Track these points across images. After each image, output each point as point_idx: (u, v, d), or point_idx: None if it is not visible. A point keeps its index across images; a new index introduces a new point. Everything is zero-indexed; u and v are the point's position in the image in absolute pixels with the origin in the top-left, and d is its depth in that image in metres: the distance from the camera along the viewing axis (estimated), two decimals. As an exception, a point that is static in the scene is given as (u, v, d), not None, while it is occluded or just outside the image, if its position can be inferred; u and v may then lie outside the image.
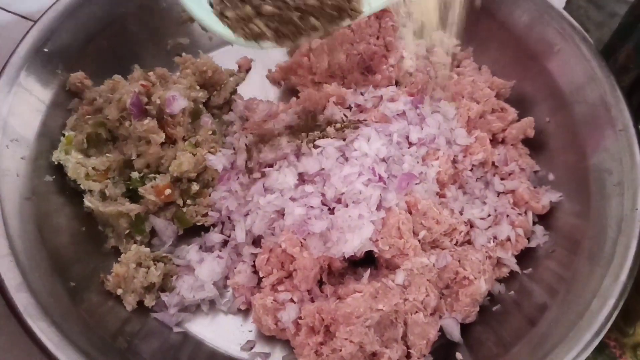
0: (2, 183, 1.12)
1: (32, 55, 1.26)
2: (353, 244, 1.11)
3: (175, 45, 1.54)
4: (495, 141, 1.37)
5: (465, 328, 1.18)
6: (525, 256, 1.26)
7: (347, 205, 1.15)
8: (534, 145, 1.38)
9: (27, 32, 1.28)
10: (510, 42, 1.46)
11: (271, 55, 1.59)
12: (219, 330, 1.21)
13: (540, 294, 1.20)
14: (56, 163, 1.24)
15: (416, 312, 1.11)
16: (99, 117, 1.27)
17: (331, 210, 1.16)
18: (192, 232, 1.29)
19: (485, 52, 1.51)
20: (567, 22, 1.36)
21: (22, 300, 0.99)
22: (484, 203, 1.26)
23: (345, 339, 1.04)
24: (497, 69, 1.48)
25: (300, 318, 1.12)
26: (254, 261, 1.22)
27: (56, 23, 1.31)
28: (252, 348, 1.18)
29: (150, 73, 1.35)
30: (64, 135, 1.26)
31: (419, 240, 1.16)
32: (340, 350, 1.04)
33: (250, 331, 1.21)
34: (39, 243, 1.12)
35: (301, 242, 1.15)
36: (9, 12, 1.67)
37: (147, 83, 1.29)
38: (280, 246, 1.15)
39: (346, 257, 1.13)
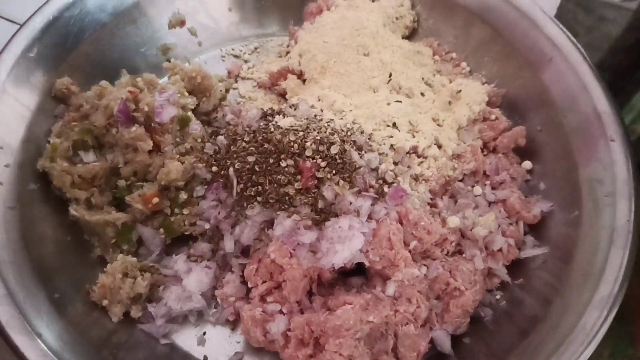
0: (-16, 193, 1.09)
1: (17, 60, 1.24)
2: (343, 255, 1.09)
3: (163, 51, 1.52)
4: (486, 150, 1.36)
5: (456, 339, 1.17)
6: (516, 266, 1.25)
7: (337, 216, 1.14)
8: (525, 154, 1.37)
9: (13, 36, 1.26)
10: (504, 51, 1.45)
11: (261, 59, 1.59)
12: (206, 341, 1.19)
13: (532, 305, 1.19)
14: (41, 171, 1.22)
15: (407, 323, 1.10)
16: (86, 124, 1.25)
17: (321, 221, 1.14)
18: (179, 241, 1.27)
19: (478, 61, 1.50)
20: (561, 32, 1.35)
21: (4, 313, 0.97)
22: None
23: (335, 352, 1.02)
24: (489, 78, 1.47)
25: (289, 330, 1.10)
26: (243, 271, 1.21)
27: (42, 28, 1.29)
28: (240, 360, 1.17)
29: (139, 79, 1.33)
30: (49, 142, 1.24)
31: (410, 251, 1.15)
32: (330, 363, 1.03)
33: (238, 342, 1.19)
34: (23, 253, 1.10)
35: (290, 253, 1.13)
36: (-5, 15, 1.65)
37: (135, 90, 1.27)
38: (270, 256, 1.14)
39: (336, 268, 1.11)
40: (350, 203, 1.13)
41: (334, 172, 1.14)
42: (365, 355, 1.04)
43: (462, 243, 1.23)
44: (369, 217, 1.15)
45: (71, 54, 1.35)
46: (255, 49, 1.62)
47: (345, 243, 1.10)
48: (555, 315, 1.12)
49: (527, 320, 1.16)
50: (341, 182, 1.13)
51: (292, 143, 1.17)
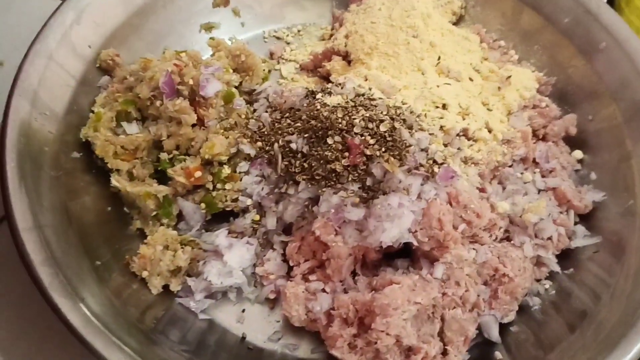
0: (31, 157, 1.08)
1: (64, 29, 1.23)
2: (392, 233, 1.06)
3: (206, 29, 1.51)
4: (535, 137, 1.32)
5: (503, 327, 1.13)
6: (565, 257, 1.21)
7: (385, 194, 1.10)
8: (575, 144, 1.33)
9: (60, 5, 1.25)
10: (554, 39, 1.41)
11: (303, 42, 1.57)
12: (245, 319, 1.16)
13: (581, 298, 1.15)
14: (84, 140, 1.20)
15: (454, 307, 1.07)
16: (129, 96, 1.23)
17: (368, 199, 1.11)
18: (219, 218, 1.24)
19: (527, 49, 1.47)
20: (616, 18, 1.32)
21: (47, 275, 0.95)
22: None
23: (382, 331, 0.99)
24: (538, 66, 1.44)
25: (332, 309, 1.07)
26: (284, 249, 1.18)
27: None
28: (279, 339, 1.14)
29: (182, 54, 1.31)
30: (93, 112, 1.22)
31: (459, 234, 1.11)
32: (376, 343, 0.99)
33: (277, 322, 1.16)
34: (66, 220, 1.08)
35: (336, 230, 1.11)
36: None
37: (180, 63, 1.25)
38: (313, 234, 1.11)
39: (384, 247, 1.08)
40: (400, 181, 1.10)
41: (383, 149, 1.11)
42: (412, 337, 1.01)
43: (511, 229, 1.20)
44: (418, 197, 1.12)
45: (117, 26, 1.33)
46: (298, 31, 1.59)
47: (394, 221, 1.07)
48: (605, 310, 1.08)
49: (576, 313, 1.12)
50: (391, 159, 1.10)
51: (340, 119, 1.14)
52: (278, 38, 1.58)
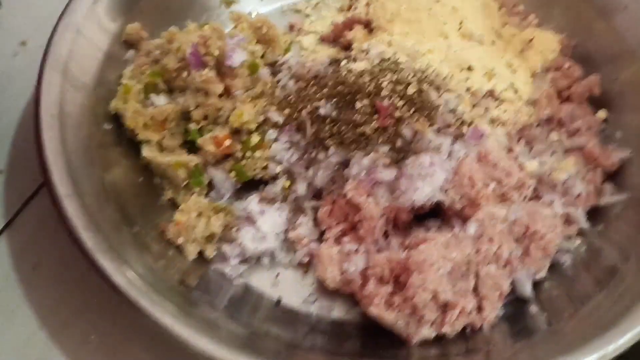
0: (64, 125, 1.09)
1: (90, 3, 1.24)
2: (424, 191, 1.07)
3: (226, 3, 1.52)
4: (560, 98, 1.32)
5: (535, 285, 1.14)
6: (595, 214, 1.21)
7: (415, 154, 1.11)
8: (600, 104, 1.33)
9: (85, -19, 1.26)
10: (574, 1, 1.41)
11: (323, 14, 1.57)
12: (279, 283, 1.17)
13: (611, 255, 1.15)
14: (114, 112, 1.22)
15: (488, 263, 1.07)
16: (157, 67, 1.25)
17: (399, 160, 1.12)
18: (250, 186, 1.26)
19: (547, 12, 1.46)
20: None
21: (90, 239, 0.96)
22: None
23: (419, 287, 1.00)
24: (559, 30, 1.44)
25: (367, 269, 1.08)
26: (315, 215, 1.19)
27: (114, -26, 1.29)
28: (314, 302, 1.15)
29: (206, 27, 1.32)
30: (121, 84, 1.24)
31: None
32: (413, 299, 1.00)
33: (311, 285, 1.17)
34: (102, 188, 1.10)
35: (367, 192, 1.12)
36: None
37: (205, 34, 1.26)
38: (345, 197, 1.12)
39: (416, 206, 1.09)
40: (430, 141, 1.11)
41: (412, 110, 1.12)
42: (448, 292, 1.02)
43: (540, 189, 1.20)
44: (449, 156, 1.13)
45: (140, 1, 1.34)
46: (317, 4, 1.60)
47: (426, 179, 1.08)
48: (633, 269, 1.09)
49: (606, 270, 1.13)
50: (421, 119, 1.11)
51: (367, 84, 1.16)
52: (297, 11, 1.59)
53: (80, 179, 1.05)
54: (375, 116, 1.13)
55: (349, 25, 1.45)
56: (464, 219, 1.11)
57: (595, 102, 1.34)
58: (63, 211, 0.97)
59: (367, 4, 1.42)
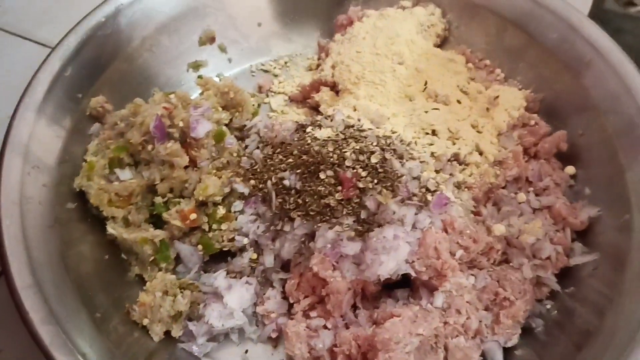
0: (24, 212, 1.08)
1: (52, 80, 1.24)
2: (389, 265, 1.06)
3: (194, 67, 1.52)
4: (527, 156, 1.32)
5: (507, 352, 1.13)
6: (565, 275, 1.20)
7: (380, 226, 1.11)
8: (567, 159, 1.33)
9: (47, 57, 1.26)
10: (539, 56, 1.42)
11: (291, 74, 1.58)
12: None
13: (585, 315, 1.13)
14: (78, 190, 1.21)
15: (457, 335, 1.06)
16: (121, 142, 1.24)
17: (364, 232, 1.11)
18: (217, 258, 1.25)
19: (513, 67, 1.47)
20: (600, 32, 1.32)
21: (48, 333, 0.94)
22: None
23: (385, 367, 0.98)
24: (525, 84, 1.44)
25: (335, 346, 1.07)
26: (284, 286, 1.18)
27: (76, 47, 1.29)
28: (284, 378, 1.13)
29: (171, 95, 1.32)
30: (85, 161, 1.23)
31: (456, 261, 1.11)
32: (380, 379, 0.99)
33: (281, 360, 1.16)
34: (64, 272, 1.08)
35: (333, 265, 1.11)
36: (28, 39, 1.66)
37: (169, 106, 1.26)
38: (312, 270, 1.11)
39: (382, 279, 1.08)
40: (394, 212, 1.10)
41: (375, 181, 1.12)
42: (416, 369, 1.00)
43: (509, 252, 1.19)
44: (413, 227, 1.12)
45: (104, 73, 1.35)
46: (285, 63, 1.61)
47: (390, 253, 1.07)
48: (611, 326, 1.07)
49: (581, 331, 1.11)
50: (384, 191, 1.10)
51: (331, 153, 1.15)
52: (265, 71, 1.60)
53: (40, 267, 1.03)
54: (339, 187, 1.12)
55: (315, 87, 1.45)
56: (432, 289, 1.10)
57: (564, 158, 1.34)
58: (20, 305, 0.96)
59: (333, 66, 1.42)
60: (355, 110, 1.31)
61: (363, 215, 1.11)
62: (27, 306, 0.96)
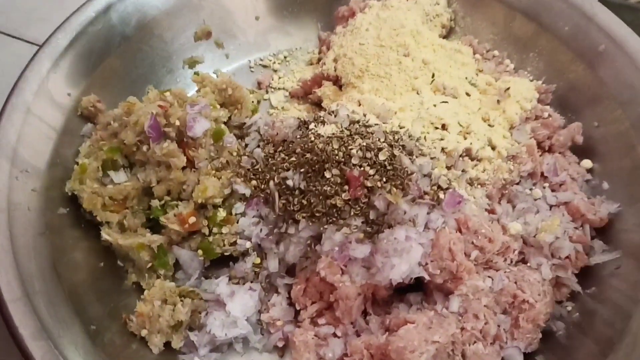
0: (12, 219, 1.02)
1: (41, 79, 1.18)
2: (401, 269, 1.00)
3: (190, 64, 1.46)
4: (540, 150, 1.26)
5: (528, 357, 1.07)
6: (586, 275, 1.14)
7: (390, 227, 1.04)
8: (583, 152, 1.27)
9: (35, 55, 1.20)
10: (550, 45, 1.36)
11: (291, 69, 1.52)
12: (254, 370, 1.10)
13: (608, 317, 1.07)
14: (70, 194, 1.15)
15: (475, 342, 1.00)
16: (114, 143, 1.18)
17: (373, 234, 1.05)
18: (219, 263, 1.19)
19: (523, 57, 1.41)
20: (613, 19, 1.26)
21: (39, 349, 0.88)
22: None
23: (400, 377, 0.92)
24: (536, 75, 1.39)
25: (346, 355, 1.01)
26: (289, 292, 1.12)
27: (66, 45, 1.23)
28: (291, 389, 1.07)
29: (167, 93, 1.26)
30: (77, 163, 1.17)
31: (471, 262, 1.05)
32: (395, 389, 0.93)
33: (288, 370, 1.10)
34: (56, 283, 1.02)
35: (342, 269, 1.05)
36: (16, 38, 1.60)
37: (165, 104, 1.20)
38: (319, 274, 1.05)
39: (394, 284, 1.02)
40: (405, 212, 1.04)
41: (384, 179, 1.05)
42: (432, 379, 0.94)
43: (526, 251, 1.13)
44: (426, 227, 1.06)
45: (96, 70, 1.29)
46: (285, 58, 1.55)
47: (402, 256, 1.01)
48: (637, 329, 1.01)
49: (605, 335, 1.05)
50: (393, 190, 1.04)
51: (336, 151, 1.09)
52: (264, 66, 1.54)
53: (30, 278, 0.97)
54: (346, 186, 1.06)
55: (317, 82, 1.39)
56: (447, 293, 1.04)
57: (579, 151, 1.28)
58: (9, 319, 0.90)
59: (335, 60, 1.36)
60: (360, 105, 1.25)
61: (372, 215, 1.05)
62: (16, 320, 0.91)
